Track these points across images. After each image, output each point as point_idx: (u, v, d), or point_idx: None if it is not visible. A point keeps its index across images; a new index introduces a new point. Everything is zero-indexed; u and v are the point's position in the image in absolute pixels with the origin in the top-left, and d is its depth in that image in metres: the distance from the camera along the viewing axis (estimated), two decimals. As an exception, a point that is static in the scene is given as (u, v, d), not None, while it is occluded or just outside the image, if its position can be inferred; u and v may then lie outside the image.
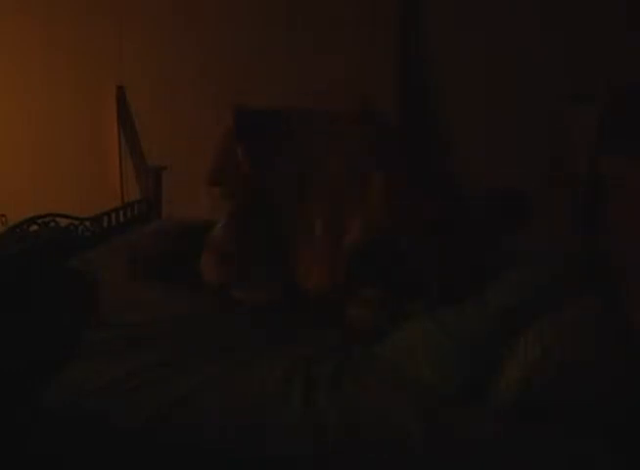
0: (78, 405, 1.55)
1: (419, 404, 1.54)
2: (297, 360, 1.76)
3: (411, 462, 1.37)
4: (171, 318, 2.07)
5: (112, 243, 2.73)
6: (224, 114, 2.48)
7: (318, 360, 1.76)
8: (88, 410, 1.54)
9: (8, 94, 3.33)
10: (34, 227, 2.57)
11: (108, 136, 3.23)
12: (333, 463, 1.39)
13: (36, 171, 3.36)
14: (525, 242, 2.11)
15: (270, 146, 2.34)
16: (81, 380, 1.61)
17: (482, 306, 1.74)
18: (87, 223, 2.82)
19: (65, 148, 3.32)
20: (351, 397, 1.59)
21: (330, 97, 2.48)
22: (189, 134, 3.15)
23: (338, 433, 1.43)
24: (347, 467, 1.39)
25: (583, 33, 2.47)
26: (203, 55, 3.05)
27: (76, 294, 1.41)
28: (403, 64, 2.77)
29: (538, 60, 2.58)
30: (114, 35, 3.13)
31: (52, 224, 2.67)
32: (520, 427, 1.45)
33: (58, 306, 1.36)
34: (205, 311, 2.13)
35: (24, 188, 3.35)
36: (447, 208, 2.23)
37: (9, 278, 1.28)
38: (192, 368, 1.70)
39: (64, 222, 2.72)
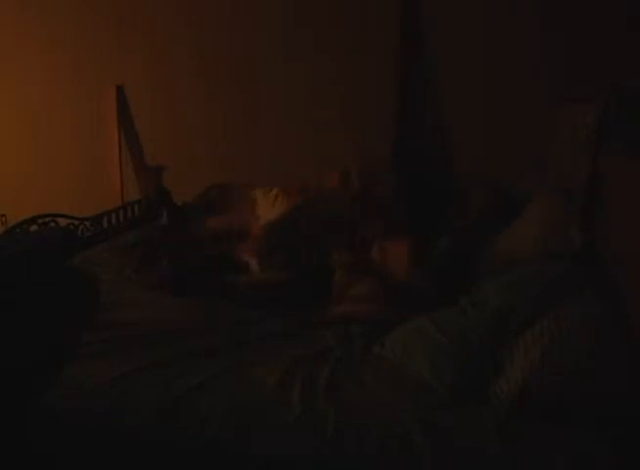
0: (78, 405, 1.55)
1: (419, 404, 1.54)
2: (297, 360, 1.76)
3: (411, 462, 1.37)
4: (171, 318, 2.07)
5: (112, 243, 2.73)
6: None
7: (318, 360, 1.77)
8: (88, 410, 1.54)
9: (8, 94, 3.33)
10: (34, 227, 2.58)
11: (108, 136, 3.23)
12: (333, 463, 1.39)
13: (36, 171, 3.36)
14: (524, 242, 2.11)
15: None
16: (81, 380, 1.61)
17: (483, 307, 1.74)
18: (87, 223, 2.82)
19: (65, 148, 3.32)
20: (351, 397, 1.59)
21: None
22: (189, 134, 3.15)
23: (338, 433, 1.43)
24: (347, 467, 1.39)
25: (583, 34, 2.47)
26: (202, 55, 3.05)
27: (77, 294, 1.41)
28: (403, 64, 2.77)
29: (538, 60, 2.58)
30: (114, 35, 3.13)
31: (52, 224, 2.67)
32: (520, 427, 1.45)
33: (58, 307, 1.35)
34: (204, 311, 2.13)
35: (24, 188, 3.35)
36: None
37: (9, 278, 1.28)
38: (191, 368, 1.71)
39: (64, 222, 2.72)
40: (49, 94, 3.29)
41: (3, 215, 3.18)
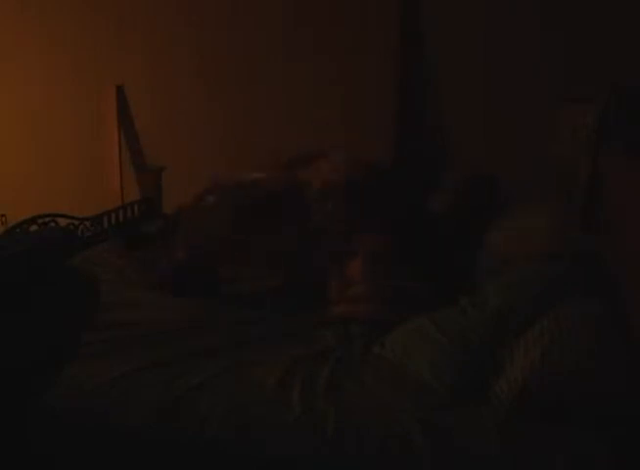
0: (78, 405, 1.55)
1: (419, 404, 1.55)
2: (297, 360, 1.76)
3: (411, 462, 1.37)
4: (171, 318, 2.07)
5: (111, 243, 2.73)
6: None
7: (318, 360, 1.77)
8: (88, 410, 1.54)
9: (8, 94, 3.33)
10: (34, 227, 2.58)
11: (108, 136, 3.23)
12: (333, 463, 1.39)
13: (36, 171, 3.36)
14: (525, 242, 2.11)
15: None
16: (81, 380, 1.61)
17: (483, 307, 1.74)
18: (87, 223, 2.82)
19: (65, 148, 3.32)
20: (351, 397, 1.59)
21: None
22: (189, 134, 3.15)
23: (338, 433, 1.43)
24: (347, 467, 1.39)
25: (583, 34, 2.47)
26: (202, 55, 3.05)
27: (77, 294, 1.41)
28: (403, 64, 2.77)
29: (538, 60, 2.58)
30: (114, 35, 3.13)
31: (52, 224, 2.67)
32: (520, 427, 1.45)
33: (58, 307, 1.35)
34: (204, 311, 2.13)
35: (24, 188, 3.35)
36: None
37: (9, 278, 1.28)
38: (191, 368, 1.71)
39: (64, 222, 2.72)
40: (49, 94, 3.29)
41: (3, 215, 3.18)
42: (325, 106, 2.88)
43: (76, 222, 2.78)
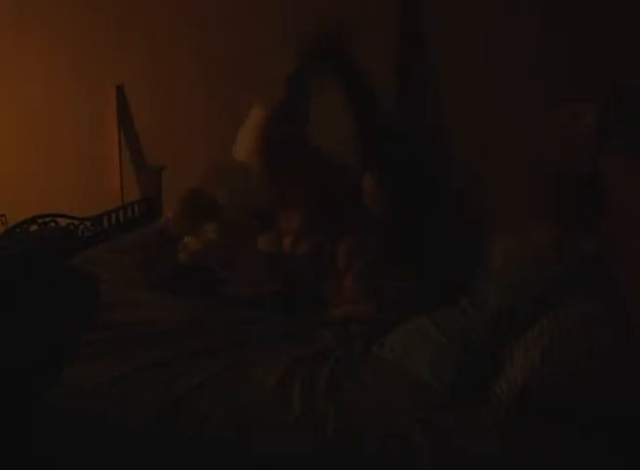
0: (78, 405, 1.55)
1: (419, 404, 1.55)
2: (297, 360, 1.76)
3: (411, 462, 1.37)
4: (171, 318, 2.07)
5: (112, 243, 2.73)
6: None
7: (318, 360, 1.77)
8: (88, 410, 1.54)
9: (8, 94, 3.33)
10: (34, 227, 2.58)
11: (108, 136, 3.23)
12: (333, 463, 1.39)
13: (36, 171, 3.36)
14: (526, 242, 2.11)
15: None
16: (81, 380, 1.61)
17: (483, 307, 1.74)
18: (87, 223, 2.82)
19: (65, 148, 3.33)
20: (351, 397, 1.59)
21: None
22: (189, 134, 3.15)
23: (338, 433, 1.43)
24: (347, 467, 1.39)
25: (583, 34, 2.47)
26: (202, 55, 3.05)
27: (77, 294, 1.41)
28: (403, 64, 2.77)
29: (538, 60, 2.58)
30: (114, 35, 3.14)
31: (52, 224, 2.67)
32: (520, 427, 1.45)
33: (58, 307, 1.35)
34: (204, 311, 2.13)
35: (24, 188, 3.35)
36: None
37: (9, 278, 1.28)
38: (191, 368, 1.71)
39: (64, 222, 2.72)
40: (49, 94, 3.29)
41: (3, 215, 3.19)
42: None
43: (76, 222, 2.79)
